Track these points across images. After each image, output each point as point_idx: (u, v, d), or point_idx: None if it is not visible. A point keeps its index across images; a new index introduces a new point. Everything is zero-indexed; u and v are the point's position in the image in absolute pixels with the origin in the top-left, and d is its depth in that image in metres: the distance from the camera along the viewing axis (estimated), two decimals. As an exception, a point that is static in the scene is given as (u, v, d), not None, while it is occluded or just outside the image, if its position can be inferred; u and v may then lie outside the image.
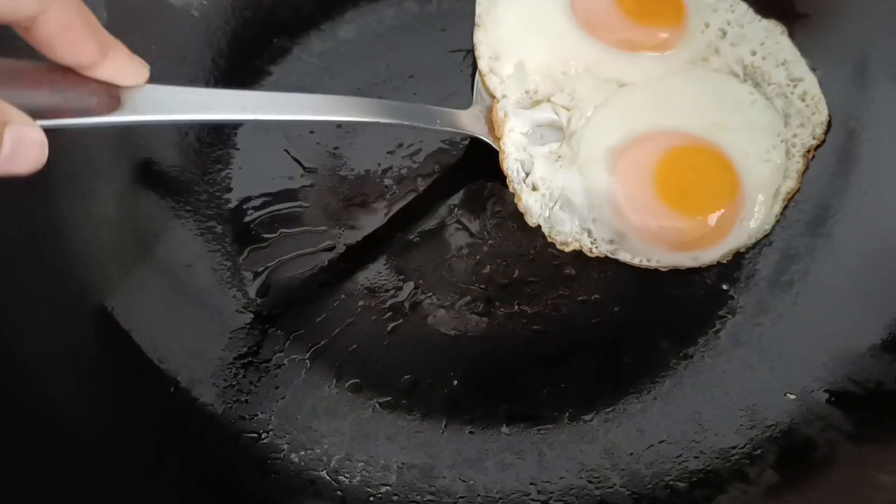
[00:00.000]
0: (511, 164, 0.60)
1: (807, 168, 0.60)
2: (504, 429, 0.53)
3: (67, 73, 0.40)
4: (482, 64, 0.63)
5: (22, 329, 0.48)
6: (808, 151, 0.61)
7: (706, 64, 0.64)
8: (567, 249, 0.58)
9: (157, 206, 0.57)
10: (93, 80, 0.41)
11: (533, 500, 0.50)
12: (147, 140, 0.59)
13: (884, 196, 0.57)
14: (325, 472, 0.51)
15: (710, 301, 0.57)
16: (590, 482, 0.51)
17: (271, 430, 0.52)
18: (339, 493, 0.50)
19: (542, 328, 0.56)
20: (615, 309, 0.57)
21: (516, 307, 0.57)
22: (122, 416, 0.50)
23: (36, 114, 0.38)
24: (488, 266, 0.58)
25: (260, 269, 0.57)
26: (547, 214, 0.60)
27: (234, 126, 0.60)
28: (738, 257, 0.58)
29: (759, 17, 0.65)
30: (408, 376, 0.54)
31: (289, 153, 0.61)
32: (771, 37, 0.65)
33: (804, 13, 0.64)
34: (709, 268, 0.58)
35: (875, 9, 0.60)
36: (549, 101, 0.63)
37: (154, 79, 0.58)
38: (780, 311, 0.56)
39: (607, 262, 0.58)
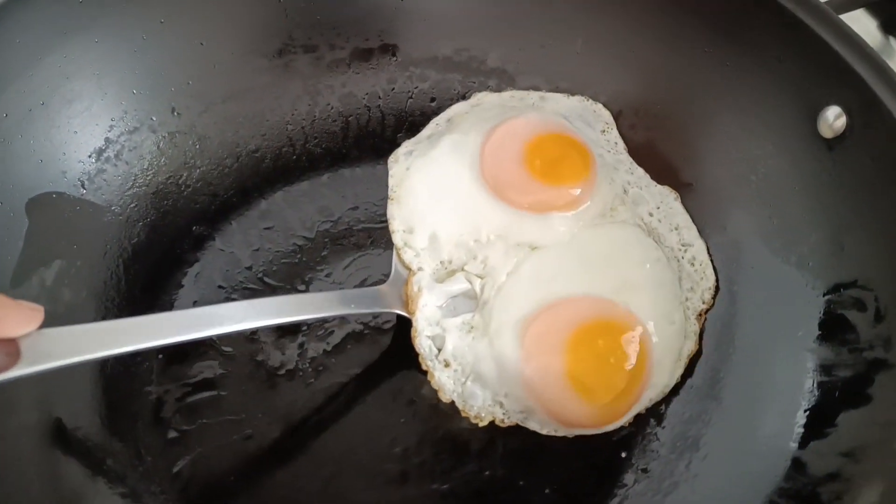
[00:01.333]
0: (423, 341, 0.62)
1: (702, 330, 0.64)
2: None
3: None
4: (396, 238, 0.65)
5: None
6: (700, 315, 0.65)
7: (615, 214, 0.66)
8: (481, 424, 0.60)
9: (75, 408, 0.59)
10: None
11: None
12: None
13: (763, 359, 0.61)
14: None
15: (611, 470, 0.60)
16: None
17: None
18: None
19: (455, 506, 0.59)
20: (520, 483, 0.60)
21: (430, 486, 0.59)
22: None
23: None
24: (399, 445, 0.61)
25: (179, 463, 0.59)
26: (460, 390, 0.61)
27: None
28: (637, 420, 0.61)
29: (654, 183, 0.70)
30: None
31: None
32: (665, 202, 0.69)
33: (688, 182, 0.69)
34: (611, 434, 0.61)
35: (748, 179, 0.65)
36: (463, 270, 0.64)
37: (76, 276, 0.62)
38: (676, 477, 0.59)
39: (513, 434, 0.61)
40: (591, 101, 0.74)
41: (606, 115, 0.73)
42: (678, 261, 0.67)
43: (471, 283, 0.64)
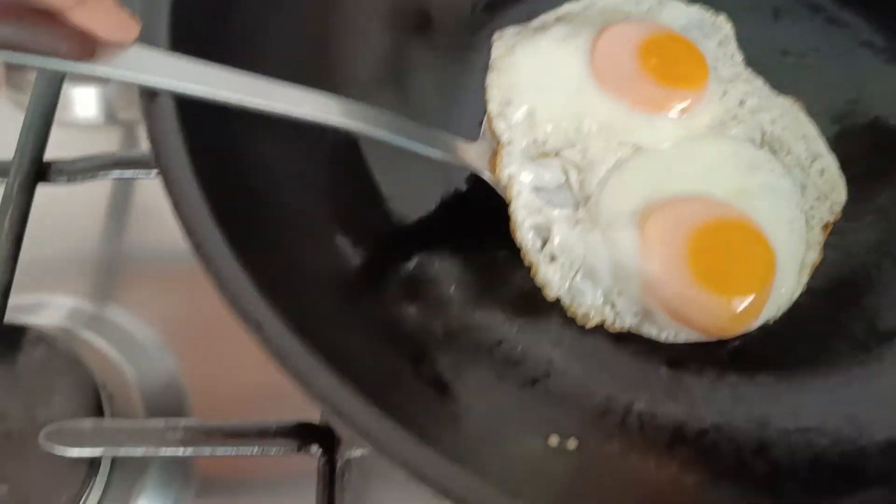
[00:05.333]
0: (525, 233, 0.56)
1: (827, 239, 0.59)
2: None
3: (40, 13, 0.37)
4: (492, 106, 0.61)
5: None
6: (826, 226, 0.60)
7: (724, 129, 0.62)
8: (589, 325, 0.55)
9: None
10: (68, 25, 0.37)
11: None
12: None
13: None
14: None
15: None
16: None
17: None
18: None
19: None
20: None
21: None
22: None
23: None
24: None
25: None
26: (567, 286, 0.56)
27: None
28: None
29: (775, 93, 0.65)
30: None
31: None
32: (789, 112, 0.64)
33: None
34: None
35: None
36: (557, 154, 0.59)
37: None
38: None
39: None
40: (711, 11, 0.68)
41: (727, 28, 0.68)
42: (803, 169, 0.61)
43: (566, 174, 0.59)
